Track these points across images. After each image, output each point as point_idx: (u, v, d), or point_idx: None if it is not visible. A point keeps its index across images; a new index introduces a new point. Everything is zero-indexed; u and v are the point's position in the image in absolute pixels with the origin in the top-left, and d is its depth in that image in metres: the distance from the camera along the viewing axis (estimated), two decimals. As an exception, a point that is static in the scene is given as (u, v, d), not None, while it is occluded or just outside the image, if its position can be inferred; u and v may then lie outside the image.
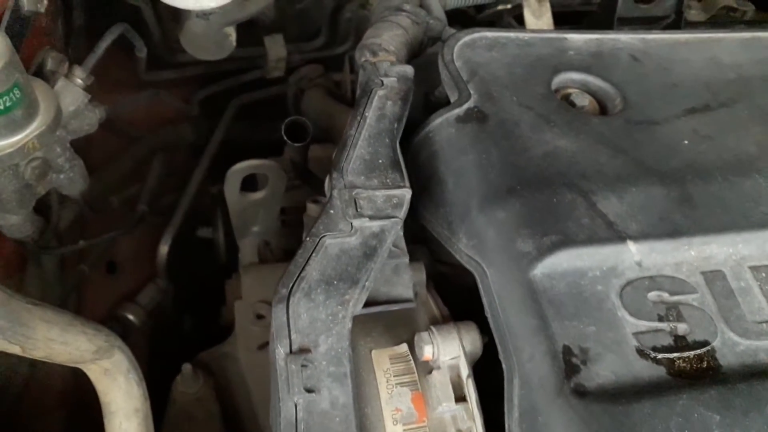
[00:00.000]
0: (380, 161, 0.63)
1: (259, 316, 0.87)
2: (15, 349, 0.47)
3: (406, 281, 0.62)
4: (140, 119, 1.27)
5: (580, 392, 0.50)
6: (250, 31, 1.23)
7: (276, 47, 1.24)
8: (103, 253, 1.16)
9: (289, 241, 1.14)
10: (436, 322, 0.64)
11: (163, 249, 1.12)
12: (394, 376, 0.59)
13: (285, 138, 0.77)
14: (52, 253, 0.96)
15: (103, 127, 0.93)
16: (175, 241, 1.19)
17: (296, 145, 0.78)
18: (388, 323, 0.63)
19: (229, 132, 1.32)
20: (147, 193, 1.16)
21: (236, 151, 1.15)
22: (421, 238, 0.73)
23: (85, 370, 0.58)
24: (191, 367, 0.89)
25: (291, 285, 0.55)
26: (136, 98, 1.11)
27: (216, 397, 0.92)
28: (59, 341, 0.50)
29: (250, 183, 1.04)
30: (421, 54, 0.83)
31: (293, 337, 0.53)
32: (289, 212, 1.14)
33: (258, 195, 0.93)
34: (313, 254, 0.57)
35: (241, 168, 0.86)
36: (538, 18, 1.01)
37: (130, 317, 1.09)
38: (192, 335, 1.31)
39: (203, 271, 1.32)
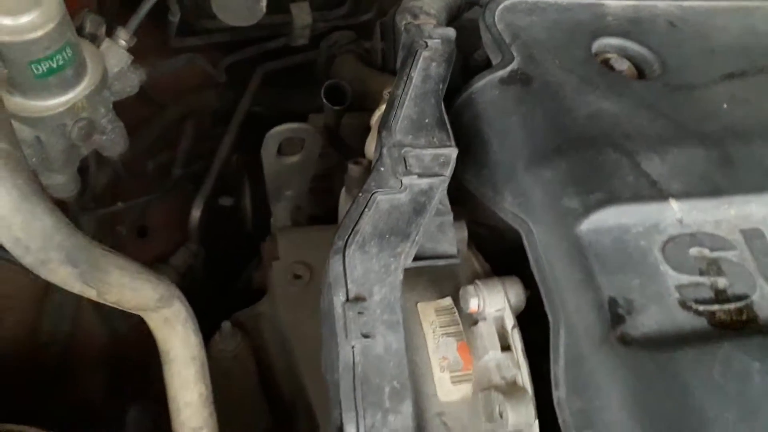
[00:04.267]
0: (426, 121, 0.65)
1: (296, 276, 0.90)
2: (92, 293, 0.50)
3: (450, 238, 0.64)
4: (166, 86, 1.28)
5: (626, 340, 0.52)
6: (276, -3, 1.23)
7: (302, 14, 1.25)
8: (135, 218, 1.19)
9: (316, 207, 1.16)
10: (477, 277, 0.66)
11: (195, 213, 1.14)
12: (440, 327, 0.61)
13: (324, 101, 0.78)
14: (91, 214, 0.98)
15: (134, 94, 0.95)
16: (207, 209, 1.21)
17: (335, 108, 0.79)
18: (432, 278, 0.66)
19: (254, 100, 1.33)
20: (181, 157, 1.17)
21: (259, 120, 1.16)
22: (456, 199, 0.75)
23: (146, 318, 0.60)
24: (230, 325, 0.91)
25: (346, 238, 0.57)
26: (172, 63, 1.12)
27: (252, 356, 0.95)
28: (130, 287, 0.52)
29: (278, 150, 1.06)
30: (459, 17, 0.84)
31: (349, 286, 0.56)
32: (317, 179, 1.16)
33: (294, 158, 0.95)
34: (366, 209, 0.59)
35: (280, 131, 0.87)
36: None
37: (164, 279, 1.12)
38: (220, 300, 1.34)
39: (227, 239, 1.34)
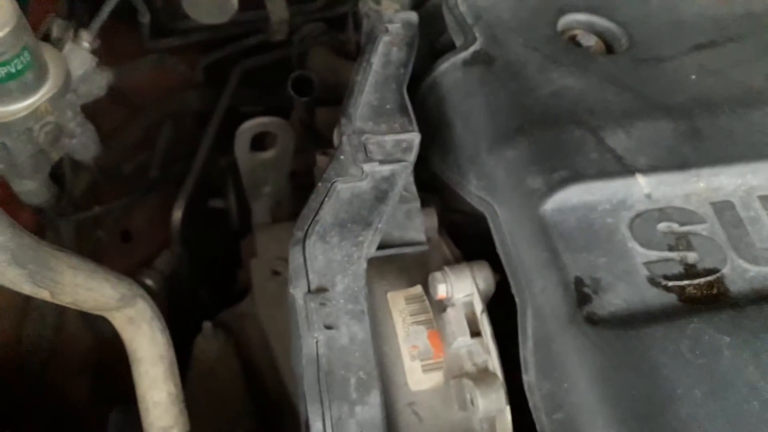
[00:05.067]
0: (388, 107, 0.64)
1: (276, 273, 0.89)
2: (44, 294, 0.49)
3: (417, 225, 0.63)
4: (146, 88, 1.27)
5: (593, 320, 0.51)
6: (251, -7, 1.22)
7: (278, 9, 1.23)
8: (118, 222, 1.18)
9: (298, 204, 1.15)
10: (448, 263, 0.65)
11: (177, 215, 1.13)
12: (410, 316, 0.60)
13: (291, 92, 0.77)
14: (69, 219, 0.98)
15: (110, 97, 0.94)
16: (189, 210, 1.20)
17: (303, 99, 0.78)
18: (401, 267, 0.65)
19: (234, 98, 1.32)
20: (158, 158, 1.17)
21: (243, 119, 1.15)
22: (432, 187, 0.73)
23: (110, 319, 0.59)
24: (211, 325, 0.91)
25: (306, 228, 0.57)
26: (140, 63, 1.11)
27: (236, 355, 0.95)
28: (85, 287, 0.52)
29: (259, 147, 1.05)
30: (425, 3, 0.83)
31: (311, 277, 0.55)
32: (299, 175, 1.15)
33: (268, 154, 0.94)
34: (326, 199, 0.59)
35: (251, 126, 0.87)
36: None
37: (148, 282, 1.12)
38: (209, 305, 1.33)
39: (217, 243, 1.34)
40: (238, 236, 1.22)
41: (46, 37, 0.84)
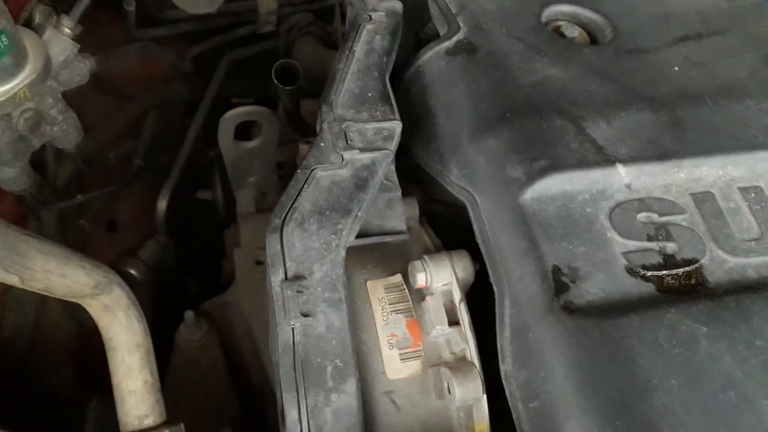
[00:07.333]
0: (370, 95, 0.63)
1: (259, 263, 0.88)
2: (14, 280, 0.48)
3: (398, 214, 0.63)
4: (133, 78, 1.26)
5: (570, 309, 0.51)
6: (240, -16, 1.21)
7: (266, 0, 1.23)
8: (103, 212, 1.17)
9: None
10: (428, 252, 0.65)
11: (162, 204, 1.12)
12: (389, 304, 0.60)
13: (276, 82, 0.77)
14: (51, 208, 0.97)
15: (96, 86, 0.93)
16: (175, 201, 1.19)
17: (287, 88, 0.78)
18: (382, 256, 0.64)
19: (222, 89, 1.31)
20: (142, 147, 1.16)
21: (231, 109, 1.14)
22: (414, 177, 0.73)
23: (86, 306, 0.59)
24: (193, 315, 0.90)
25: (284, 215, 0.56)
26: (126, 51, 1.10)
27: (220, 344, 0.94)
28: (57, 273, 0.51)
29: (244, 137, 1.04)
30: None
31: (288, 264, 0.54)
32: (286, 166, 1.14)
33: (252, 143, 0.93)
34: (305, 186, 0.58)
35: (234, 114, 0.86)
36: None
37: (132, 272, 1.11)
38: (197, 295, 1.32)
39: (203, 234, 1.33)
40: (224, 227, 1.21)
41: (27, 23, 0.83)
